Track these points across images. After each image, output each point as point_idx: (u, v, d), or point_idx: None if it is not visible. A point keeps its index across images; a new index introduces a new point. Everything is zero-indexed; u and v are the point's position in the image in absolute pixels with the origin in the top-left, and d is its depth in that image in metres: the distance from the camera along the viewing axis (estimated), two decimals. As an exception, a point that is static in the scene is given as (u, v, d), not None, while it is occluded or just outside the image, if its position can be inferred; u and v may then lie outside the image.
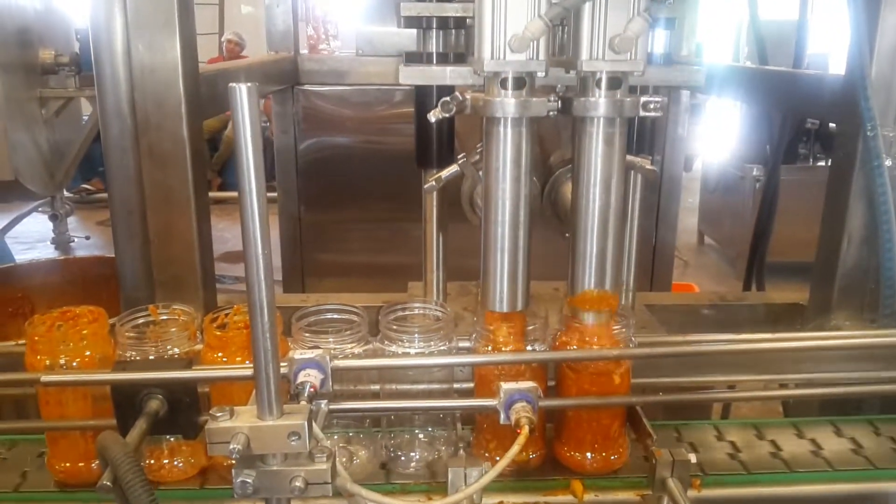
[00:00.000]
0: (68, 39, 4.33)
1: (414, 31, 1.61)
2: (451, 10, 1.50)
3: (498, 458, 1.05)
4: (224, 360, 1.21)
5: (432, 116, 1.30)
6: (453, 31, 1.56)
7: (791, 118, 2.58)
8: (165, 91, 1.50)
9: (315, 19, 3.91)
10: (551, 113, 1.22)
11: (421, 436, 1.33)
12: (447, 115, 1.29)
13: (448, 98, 1.28)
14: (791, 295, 2.00)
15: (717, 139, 8.15)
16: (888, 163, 1.53)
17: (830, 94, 1.72)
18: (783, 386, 1.55)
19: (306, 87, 2.94)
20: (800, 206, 3.34)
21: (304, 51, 3.24)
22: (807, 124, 6.27)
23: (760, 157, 6.04)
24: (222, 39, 10.12)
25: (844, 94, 1.58)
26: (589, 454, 1.29)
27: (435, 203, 1.66)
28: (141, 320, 1.28)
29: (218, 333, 1.23)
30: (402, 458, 1.30)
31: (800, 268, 1.85)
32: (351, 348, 1.23)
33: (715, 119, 8.81)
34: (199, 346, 1.27)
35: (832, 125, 1.78)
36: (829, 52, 6.90)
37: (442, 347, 1.26)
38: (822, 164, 6.51)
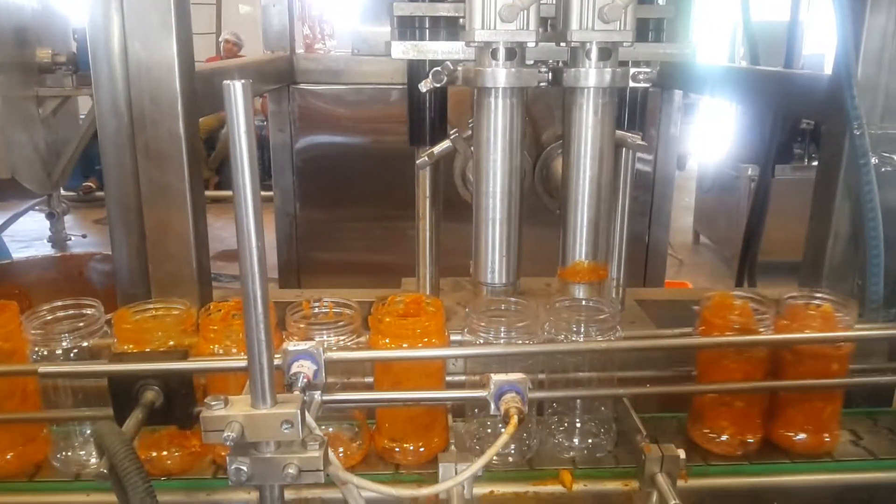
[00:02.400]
0: (65, 39, 4.35)
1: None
2: (444, 10, 1.52)
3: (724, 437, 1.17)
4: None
5: (423, 86, 1.31)
6: (444, 30, 1.58)
7: (783, 118, 2.61)
8: (162, 89, 1.51)
9: (311, 19, 3.92)
10: (542, 84, 1.24)
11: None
12: (438, 85, 1.30)
13: (439, 68, 1.29)
14: (780, 291, 2.02)
15: (713, 139, 8.18)
16: (874, 161, 1.55)
17: (820, 93, 1.74)
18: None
19: (302, 86, 2.96)
20: (794, 206, 3.35)
21: (300, 50, 3.25)
22: (802, 124, 6.30)
23: (756, 156, 6.08)
24: (220, 39, 10.13)
25: (831, 94, 1.60)
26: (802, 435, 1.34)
27: (428, 188, 1.66)
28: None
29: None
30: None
31: (795, 267, 1.87)
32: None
33: (710, 118, 8.84)
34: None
35: (823, 125, 1.81)
36: (826, 53, 6.94)
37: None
38: (816, 163, 6.53)
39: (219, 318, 1.29)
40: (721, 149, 7.20)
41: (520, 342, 1.27)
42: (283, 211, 3.06)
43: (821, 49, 6.99)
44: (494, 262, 1.31)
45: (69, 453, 1.32)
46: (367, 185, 2.99)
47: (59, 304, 1.30)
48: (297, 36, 3.16)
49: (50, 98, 4.13)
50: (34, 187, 4.14)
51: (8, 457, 1.28)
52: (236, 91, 0.83)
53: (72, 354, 1.27)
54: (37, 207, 7.06)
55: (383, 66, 2.92)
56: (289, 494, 1.05)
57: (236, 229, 0.88)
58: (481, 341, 1.25)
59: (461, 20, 1.47)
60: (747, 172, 6.30)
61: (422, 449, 1.31)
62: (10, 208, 6.64)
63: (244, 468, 0.94)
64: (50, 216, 7.07)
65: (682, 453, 1.17)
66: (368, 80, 2.96)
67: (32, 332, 1.26)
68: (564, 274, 1.29)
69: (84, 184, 8.80)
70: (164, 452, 1.28)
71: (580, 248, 1.31)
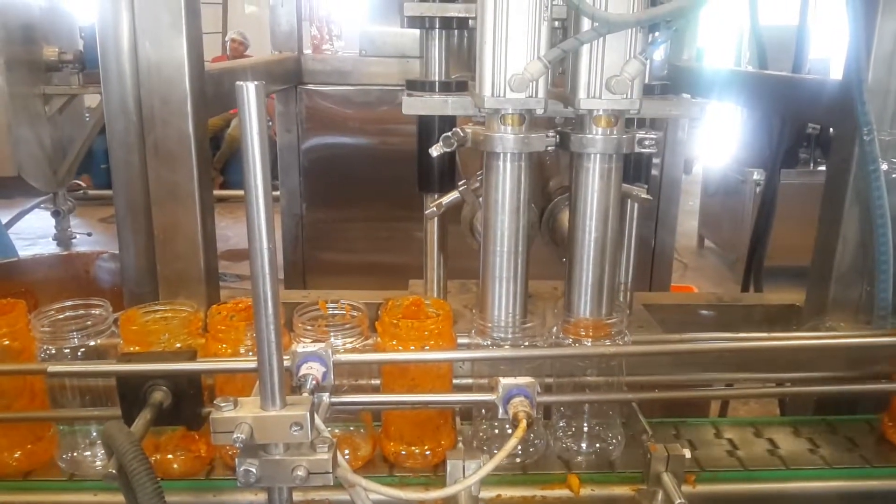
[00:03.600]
0: (72, 37, 4.37)
1: (417, 31, 1.64)
2: (454, 11, 1.52)
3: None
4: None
5: (434, 151, 1.36)
6: (456, 31, 1.58)
7: (790, 122, 2.60)
8: (171, 88, 1.51)
9: (319, 19, 3.93)
10: (549, 148, 1.27)
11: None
12: (448, 150, 1.34)
13: (449, 133, 1.33)
14: (787, 296, 2.02)
15: (718, 143, 8.17)
16: (884, 167, 1.55)
17: (829, 98, 1.74)
18: (780, 385, 1.57)
19: (310, 86, 2.96)
20: (800, 211, 3.34)
21: (307, 51, 3.25)
22: (808, 129, 6.29)
23: (761, 161, 6.06)
24: (226, 39, 10.13)
25: (842, 99, 1.59)
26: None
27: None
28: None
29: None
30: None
31: (800, 272, 1.87)
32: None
33: (716, 122, 8.83)
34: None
35: (832, 130, 1.81)
36: (831, 58, 6.92)
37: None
38: (822, 168, 6.52)
39: (231, 318, 1.28)
40: (727, 153, 7.18)
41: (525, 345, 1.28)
42: (290, 211, 3.06)
43: (824, 54, 6.96)
44: (500, 318, 1.35)
45: (75, 453, 1.32)
46: (373, 186, 3.00)
47: (68, 303, 1.30)
48: (304, 36, 3.16)
49: (56, 96, 4.14)
50: (40, 185, 4.16)
51: (16, 455, 1.28)
52: (250, 93, 0.83)
53: (79, 353, 1.27)
54: (42, 205, 7.07)
55: (390, 68, 2.92)
56: (296, 496, 1.05)
57: (247, 230, 0.88)
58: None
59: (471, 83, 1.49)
60: (753, 177, 6.29)
61: (428, 452, 1.31)
62: (15, 206, 6.65)
63: (253, 470, 0.94)
64: (55, 214, 7.08)
65: (687, 453, 1.17)
66: (376, 81, 2.97)
67: (41, 330, 1.26)
68: (568, 330, 1.31)
69: (73, 181, 8.73)
70: (169, 456, 1.27)
71: (584, 306, 1.35)
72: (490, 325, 1.33)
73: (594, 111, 1.24)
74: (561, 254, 1.50)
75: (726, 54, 9.57)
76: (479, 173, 1.46)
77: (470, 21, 1.53)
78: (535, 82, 1.20)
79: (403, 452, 1.31)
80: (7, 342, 1.25)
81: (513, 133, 1.24)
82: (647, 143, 1.28)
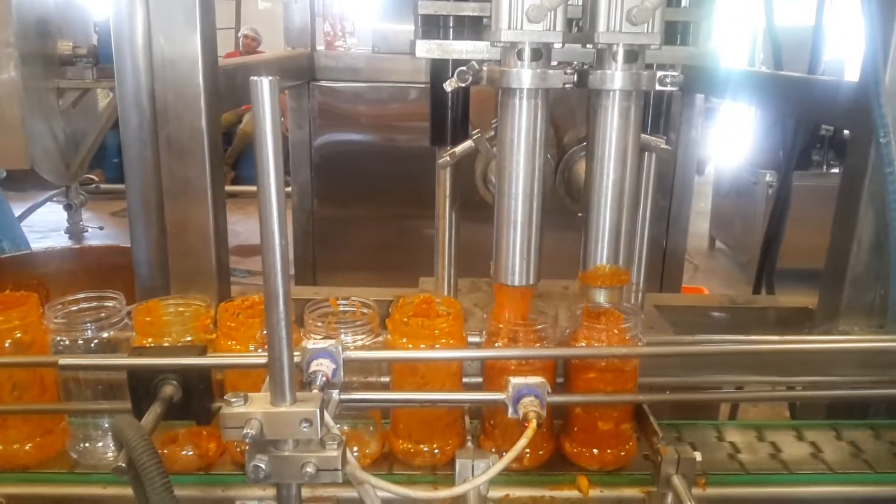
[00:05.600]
0: (86, 32, 4.39)
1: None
2: (468, 10, 1.51)
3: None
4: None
5: (448, 86, 1.31)
6: (468, 29, 1.57)
7: (804, 124, 2.58)
8: (185, 83, 1.52)
9: (332, 16, 3.93)
10: (567, 85, 1.22)
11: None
12: (463, 85, 1.29)
13: (465, 68, 1.28)
14: (800, 299, 2.01)
15: (731, 144, 8.13)
16: (900, 170, 1.53)
17: (844, 100, 1.72)
18: (790, 388, 1.56)
19: (322, 83, 2.97)
20: (813, 213, 3.33)
21: (320, 47, 3.26)
22: (821, 131, 6.25)
23: (774, 162, 6.04)
24: (239, 34, 10.17)
25: (858, 101, 1.58)
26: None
27: (448, 188, 1.65)
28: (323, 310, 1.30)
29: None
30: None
31: (812, 274, 1.86)
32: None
33: (729, 123, 8.78)
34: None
35: (846, 132, 1.80)
36: (845, 59, 6.87)
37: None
38: (835, 170, 6.49)
39: (237, 315, 1.28)
40: (739, 154, 7.15)
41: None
42: (301, 208, 3.07)
43: (839, 54, 6.91)
44: (514, 263, 1.29)
45: (87, 445, 1.32)
46: (384, 183, 3.00)
47: (82, 295, 1.31)
48: (317, 33, 3.16)
49: (70, 90, 4.16)
50: (53, 178, 4.17)
51: (27, 447, 1.29)
52: (264, 88, 0.83)
53: (92, 345, 1.27)
54: (55, 199, 7.12)
55: (403, 65, 2.92)
56: (304, 492, 1.05)
57: (260, 227, 0.88)
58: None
59: (486, 20, 1.47)
60: (765, 178, 6.27)
61: (437, 451, 1.30)
62: (28, 199, 6.70)
63: (262, 466, 0.94)
64: (68, 208, 7.12)
65: (698, 455, 1.16)
66: (388, 78, 2.97)
67: (55, 321, 1.26)
68: (585, 278, 1.27)
69: (86, 175, 8.75)
70: (182, 452, 1.28)
71: (601, 252, 1.30)
72: (504, 271, 1.30)
73: (613, 45, 1.20)
74: (576, 209, 1.46)
75: (740, 54, 9.51)
76: (493, 122, 1.41)
77: (484, 20, 1.52)
78: (553, 14, 1.15)
79: (412, 450, 1.30)
80: (19, 335, 1.25)
81: (530, 68, 1.20)
82: (668, 80, 1.24)
